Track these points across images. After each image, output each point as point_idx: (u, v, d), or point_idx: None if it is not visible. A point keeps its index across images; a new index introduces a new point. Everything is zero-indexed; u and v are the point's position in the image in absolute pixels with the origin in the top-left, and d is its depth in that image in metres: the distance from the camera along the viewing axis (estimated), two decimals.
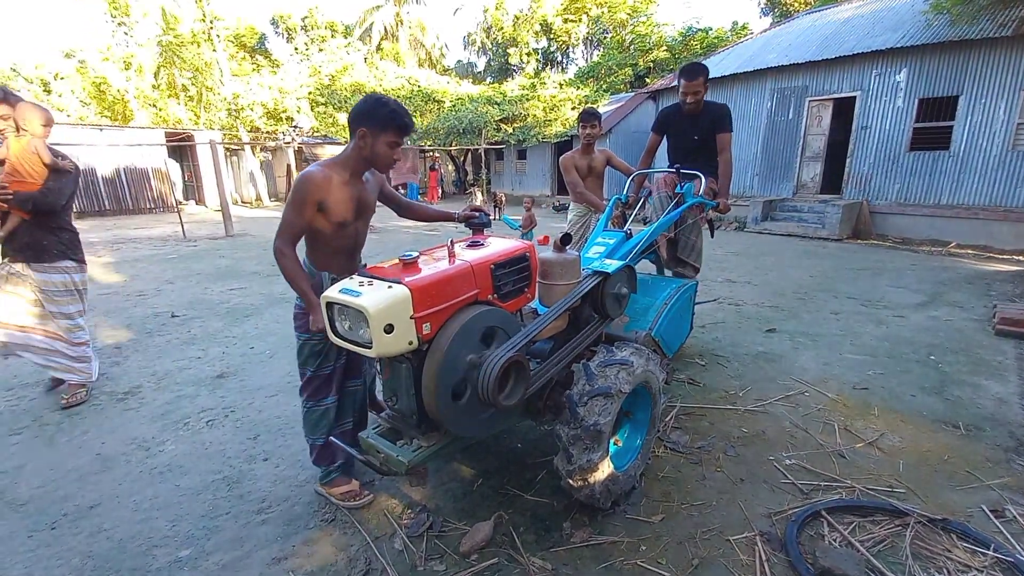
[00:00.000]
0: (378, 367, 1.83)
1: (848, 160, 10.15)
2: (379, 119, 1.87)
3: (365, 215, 2.09)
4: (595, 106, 17.50)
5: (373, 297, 1.57)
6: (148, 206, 16.08)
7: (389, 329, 1.57)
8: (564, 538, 1.98)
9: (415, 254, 1.79)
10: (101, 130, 15.01)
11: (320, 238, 1.98)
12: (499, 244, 2.06)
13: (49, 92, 24.21)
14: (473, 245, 2.04)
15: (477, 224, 2.32)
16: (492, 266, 1.90)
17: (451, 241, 1.94)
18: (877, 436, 2.68)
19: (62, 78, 21.75)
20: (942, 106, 8.98)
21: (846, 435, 2.70)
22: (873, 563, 1.82)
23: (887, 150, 9.61)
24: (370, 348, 1.60)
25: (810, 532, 2.00)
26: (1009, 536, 1.96)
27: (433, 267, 1.77)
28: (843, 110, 10.21)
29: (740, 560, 1.87)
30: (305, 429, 2.18)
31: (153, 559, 1.91)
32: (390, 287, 1.61)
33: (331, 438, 1.98)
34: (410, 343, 1.63)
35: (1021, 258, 7.50)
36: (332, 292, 1.68)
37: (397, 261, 1.81)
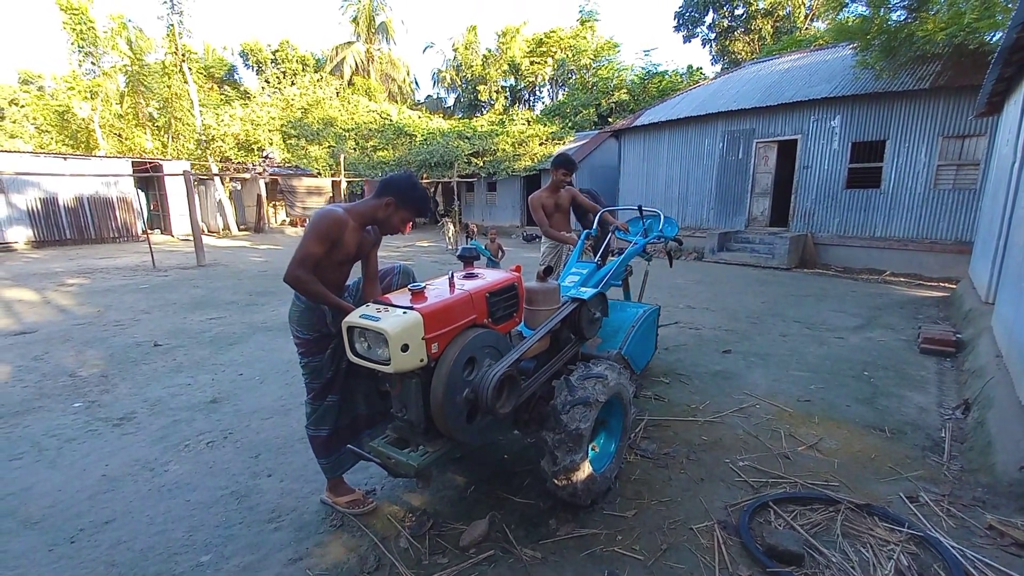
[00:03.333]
0: (390, 382, 2.09)
1: (793, 196, 11.06)
2: (409, 200, 2.21)
3: (359, 258, 2.34)
4: (562, 143, 18.33)
5: (391, 321, 1.86)
6: (112, 235, 15.73)
7: (405, 348, 1.85)
8: (551, 532, 2.25)
9: (422, 285, 2.10)
10: (65, 159, 14.74)
11: (318, 272, 2.16)
12: (492, 275, 2.38)
13: (3, 119, 23.55)
14: (470, 276, 2.36)
15: (468, 257, 2.64)
16: (487, 294, 2.21)
17: (452, 273, 2.25)
18: (817, 440, 3.08)
19: (21, 105, 21.23)
20: (872, 149, 9.99)
21: (791, 440, 3.09)
22: (811, 542, 2.17)
23: (827, 187, 10.55)
24: (388, 365, 1.87)
25: (759, 519, 2.34)
26: (921, 516, 2.35)
27: (439, 295, 2.08)
28: (787, 151, 11.18)
29: (701, 544, 2.18)
30: (310, 426, 2.34)
31: (176, 564, 2.08)
32: (404, 313, 1.91)
33: (349, 446, 2.20)
34: (421, 360, 1.92)
35: (946, 285, 8.32)
36: (353, 318, 1.96)
37: (406, 290, 2.11)
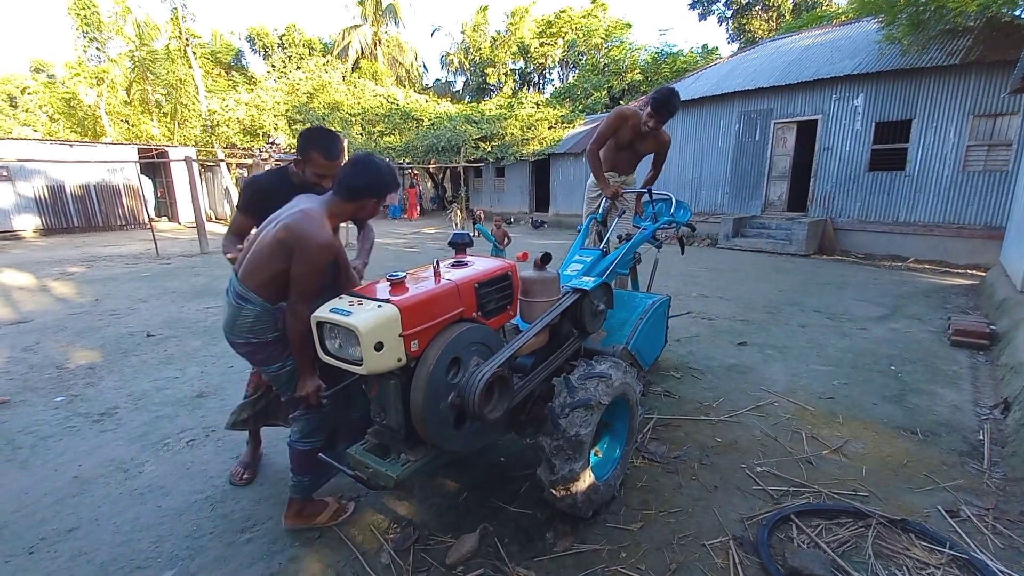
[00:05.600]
0: (366, 384, 1.88)
1: (812, 180, 10.62)
2: (386, 188, 1.96)
3: None
4: (572, 126, 17.79)
5: (363, 316, 1.64)
6: (119, 223, 15.72)
7: (379, 347, 1.63)
8: (547, 547, 2.04)
9: (402, 274, 1.86)
10: (71, 146, 14.68)
11: (282, 280, 1.88)
12: (483, 263, 2.14)
13: (15, 107, 23.64)
14: (457, 265, 2.12)
15: (459, 244, 2.40)
16: (476, 285, 1.98)
17: (437, 261, 2.02)
18: (842, 443, 2.83)
19: (30, 93, 21.24)
20: (897, 129, 9.50)
21: (813, 442, 2.84)
22: (839, 563, 1.93)
23: (848, 170, 10.09)
24: (360, 365, 1.66)
25: (780, 535, 2.10)
26: (963, 534, 2.10)
27: (420, 286, 1.85)
28: (806, 132, 10.71)
29: (715, 563, 1.96)
30: (303, 439, 2.09)
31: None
32: (380, 306, 1.68)
33: (320, 455, 2.00)
34: (399, 360, 1.70)
35: (974, 272, 7.93)
36: (322, 312, 1.74)
37: (384, 281, 1.88)
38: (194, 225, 11.59)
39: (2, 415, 3.25)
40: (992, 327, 4.55)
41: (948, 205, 9.03)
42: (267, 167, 18.79)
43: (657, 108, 3.34)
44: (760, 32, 24.37)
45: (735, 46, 25.81)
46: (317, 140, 2.19)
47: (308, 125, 19.69)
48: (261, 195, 2.27)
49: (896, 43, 9.31)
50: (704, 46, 25.13)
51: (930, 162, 9.15)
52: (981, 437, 2.88)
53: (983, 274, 7.43)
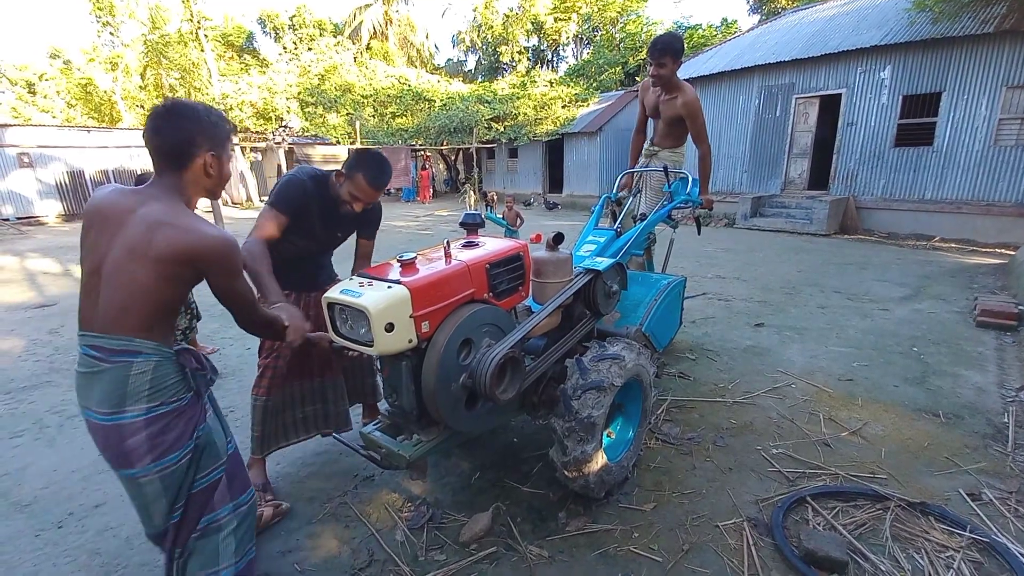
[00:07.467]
0: (378, 364, 1.89)
1: (834, 156, 10.30)
2: (223, 132, 1.44)
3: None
4: (586, 104, 17.37)
5: (374, 297, 1.63)
6: None
7: (389, 328, 1.63)
8: (560, 527, 2.05)
9: (413, 255, 1.85)
10: (89, 132, 14.86)
11: (174, 308, 1.37)
12: (494, 244, 2.12)
13: (34, 94, 23.95)
14: (468, 245, 2.10)
15: (471, 224, 2.37)
16: (487, 266, 1.96)
17: (447, 242, 2.00)
18: (860, 425, 2.78)
19: (47, 79, 21.48)
20: (926, 103, 9.14)
21: (831, 425, 2.80)
22: (855, 545, 1.91)
23: (872, 146, 9.77)
24: (371, 346, 1.66)
25: (795, 517, 2.09)
26: (985, 518, 2.06)
27: (431, 267, 1.83)
28: (829, 107, 10.36)
29: (728, 545, 1.95)
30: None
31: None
32: (390, 287, 1.67)
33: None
34: (410, 341, 1.69)
35: (1002, 251, 7.68)
36: (333, 293, 1.74)
37: (395, 261, 1.87)
38: (210, 209, 11.70)
39: (31, 395, 3.36)
40: (1020, 307, 4.41)
41: (977, 182, 8.71)
42: (280, 151, 18.88)
43: (650, 52, 3.20)
44: (783, 2, 23.47)
45: (756, 18, 24.93)
46: (369, 165, 2.08)
47: (321, 108, 19.67)
48: (305, 199, 2.13)
49: (927, 11, 8.89)
50: (724, 19, 24.36)
51: (960, 137, 8.81)
52: (1006, 420, 2.81)
53: (1012, 253, 7.19)
